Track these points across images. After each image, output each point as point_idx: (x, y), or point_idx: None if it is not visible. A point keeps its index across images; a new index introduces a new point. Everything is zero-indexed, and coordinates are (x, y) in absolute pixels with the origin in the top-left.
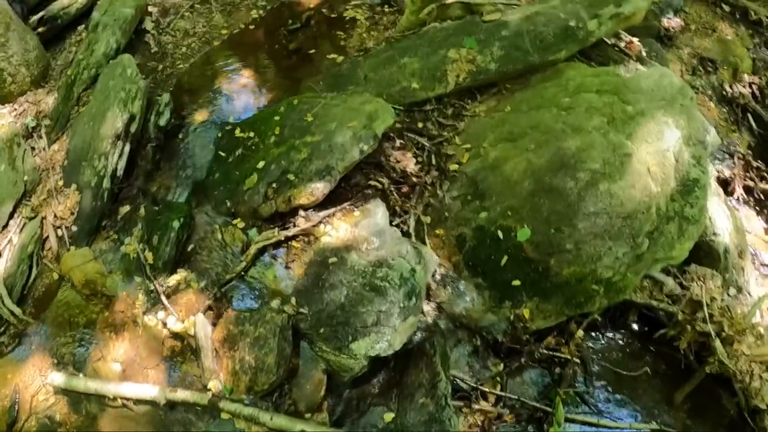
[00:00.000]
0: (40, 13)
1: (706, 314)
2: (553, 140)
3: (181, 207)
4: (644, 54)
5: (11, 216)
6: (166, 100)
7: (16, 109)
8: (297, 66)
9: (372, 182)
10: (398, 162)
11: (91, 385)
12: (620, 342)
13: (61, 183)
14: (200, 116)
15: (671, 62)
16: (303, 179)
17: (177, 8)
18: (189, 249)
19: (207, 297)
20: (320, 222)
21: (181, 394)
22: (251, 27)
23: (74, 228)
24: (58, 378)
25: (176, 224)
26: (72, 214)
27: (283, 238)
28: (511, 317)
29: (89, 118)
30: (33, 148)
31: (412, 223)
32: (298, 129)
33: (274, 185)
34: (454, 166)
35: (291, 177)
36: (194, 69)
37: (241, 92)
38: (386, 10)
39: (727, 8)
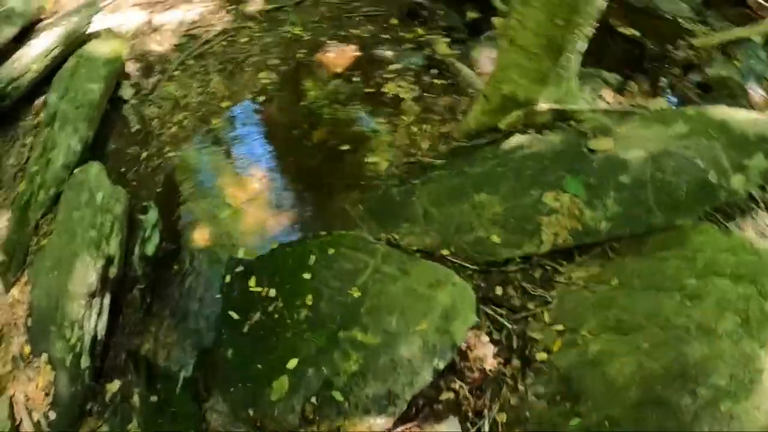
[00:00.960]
0: None
1: None
2: (673, 341)
3: (189, 411)
4: None
5: None
6: (153, 220)
7: None
8: (325, 169)
9: (444, 395)
10: (472, 351)
11: None
12: None
13: (27, 349)
14: (200, 237)
15: None
16: (356, 405)
17: (163, 65)
18: None
19: None
20: None
21: None
22: (260, 99)
23: (52, 414)
24: None
25: None
26: (47, 395)
27: None
28: None
29: (52, 263)
30: None
31: (486, 429)
32: (340, 308)
33: (314, 401)
34: (541, 355)
35: (338, 396)
36: (188, 160)
37: (250, 206)
38: (436, 82)
39: None
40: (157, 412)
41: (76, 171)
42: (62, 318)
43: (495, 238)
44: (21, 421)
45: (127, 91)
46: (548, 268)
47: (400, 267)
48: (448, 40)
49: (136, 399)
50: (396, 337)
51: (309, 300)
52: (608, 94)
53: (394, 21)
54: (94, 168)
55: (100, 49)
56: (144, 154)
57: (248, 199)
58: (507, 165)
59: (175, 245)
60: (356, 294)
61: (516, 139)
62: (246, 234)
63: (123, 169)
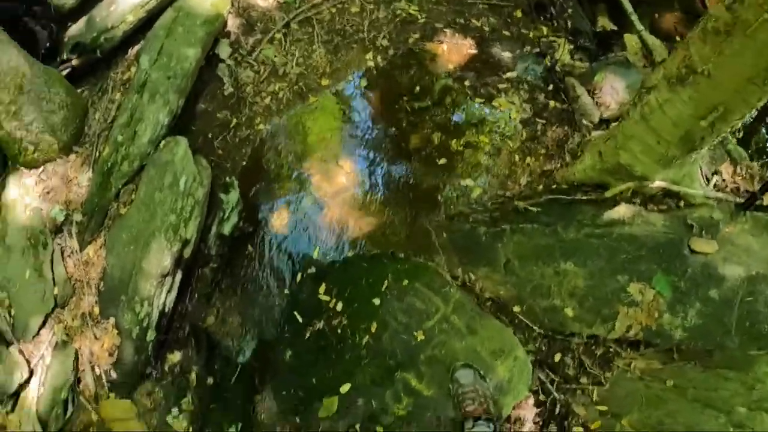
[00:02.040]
0: (74, 40)
1: None
2: None
3: (240, 401)
4: None
5: (43, 326)
6: (233, 201)
7: (42, 180)
8: (416, 180)
9: None
10: (515, 410)
11: None
12: None
13: (97, 310)
14: (279, 223)
15: None
16: None
17: (266, 24)
18: None
19: None
20: None
21: None
22: (363, 84)
23: (114, 374)
24: None
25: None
26: (110, 355)
27: None
28: None
29: (129, 238)
30: (62, 249)
31: None
32: (402, 347)
33: (357, 428)
34: (578, 430)
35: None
36: (278, 137)
37: (334, 201)
38: (551, 104)
39: None
40: (211, 395)
41: (162, 146)
42: (133, 292)
43: (569, 311)
44: (83, 372)
45: (224, 50)
46: (611, 349)
47: (469, 324)
48: (572, 46)
49: (193, 376)
50: (448, 396)
51: (373, 327)
52: (727, 171)
53: (518, 14)
54: (181, 148)
55: (201, 4)
56: (233, 122)
57: (333, 192)
58: (602, 240)
59: (253, 227)
60: (420, 337)
61: (619, 211)
62: (325, 230)
63: (210, 135)
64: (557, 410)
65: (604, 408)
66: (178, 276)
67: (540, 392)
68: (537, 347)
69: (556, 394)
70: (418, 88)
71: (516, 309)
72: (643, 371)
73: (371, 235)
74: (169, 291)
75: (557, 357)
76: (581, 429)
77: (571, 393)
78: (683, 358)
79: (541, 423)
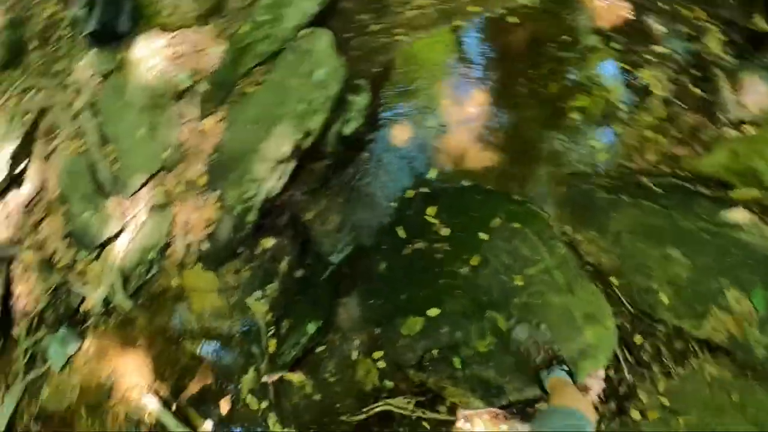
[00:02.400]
0: None
1: None
2: None
3: (326, 300)
4: None
5: (144, 185)
6: (361, 105)
7: (173, 44)
8: (546, 126)
9: (539, 405)
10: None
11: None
12: None
13: (203, 180)
14: (399, 136)
15: None
16: (467, 380)
17: None
18: (317, 351)
19: None
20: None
21: None
22: (511, 20)
23: (205, 246)
24: (152, 403)
25: (311, 328)
26: (206, 227)
27: (413, 416)
28: None
29: (253, 118)
30: (180, 115)
31: None
32: (498, 287)
33: (435, 354)
34: (635, 414)
35: (457, 363)
36: (416, 52)
37: (458, 128)
38: (692, 90)
39: None
40: (298, 287)
41: (304, 33)
42: (245, 171)
43: (663, 298)
44: (175, 238)
45: None
46: (691, 347)
47: (570, 282)
48: (724, 38)
49: (284, 265)
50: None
51: (475, 261)
52: None
53: None
54: (324, 40)
55: None
56: (374, 27)
57: (460, 120)
58: (715, 238)
59: (373, 134)
60: (519, 282)
61: (738, 215)
62: (444, 154)
63: (348, 35)
64: (621, 389)
65: (665, 401)
66: (292, 165)
67: (612, 367)
68: (622, 323)
69: (627, 374)
70: (564, 37)
71: (613, 280)
72: (713, 378)
73: (490, 171)
74: (279, 177)
75: (638, 339)
76: (639, 414)
77: (639, 377)
78: (756, 377)
79: (603, 397)
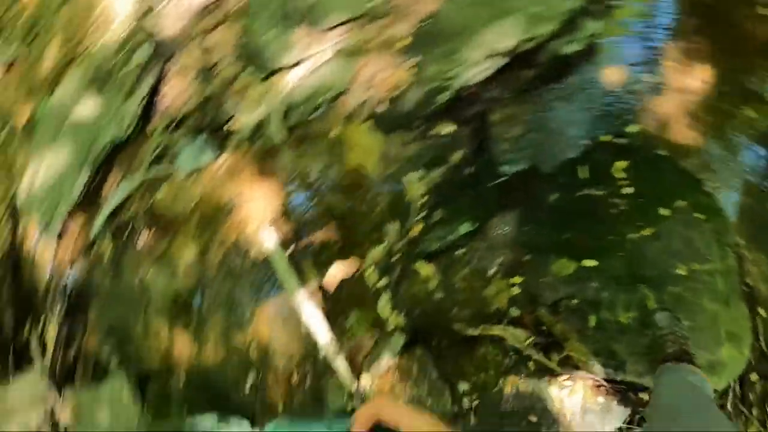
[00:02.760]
0: None
1: None
2: None
3: (478, 213)
4: None
5: (339, 26)
6: (590, 31)
7: None
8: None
9: None
10: None
11: None
12: None
13: (405, 43)
14: (614, 76)
15: None
16: (593, 343)
17: None
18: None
19: None
20: None
21: None
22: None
23: (382, 106)
24: (269, 240)
25: (463, 228)
26: (391, 90)
27: (523, 353)
28: None
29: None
30: None
31: None
32: (661, 267)
33: (573, 302)
34: None
35: (591, 320)
36: None
37: (672, 94)
38: None
39: None
40: (462, 182)
41: None
42: (454, 51)
43: None
44: (353, 87)
45: None
46: None
47: (728, 294)
48: None
49: (456, 156)
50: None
51: (647, 232)
52: None
53: None
54: None
55: None
56: None
57: (679, 87)
58: None
59: (588, 66)
60: (681, 272)
61: None
62: (650, 115)
63: None
64: None
65: None
66: (502, 62)
67: (720, 392)
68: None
69: (728, 405)
70: None
71: (761, 311)
72: None
73: (690, 151)
74: (486, 70)
75: (754, 377)
76: None
77: (737, 411)
78: None
79: None
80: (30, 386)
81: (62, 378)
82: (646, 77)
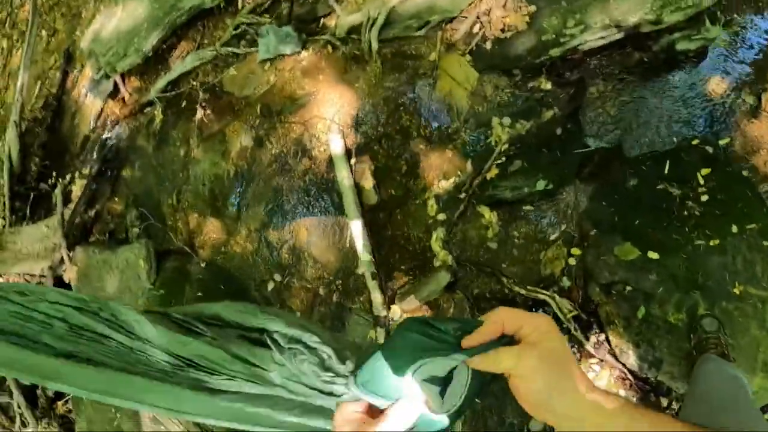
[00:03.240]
0: None
1: None
2: None
3: (558, 174)
4: None
5: None
6: (712, 36)
7: None
8: None
9: None
10: None
11: None
12: None
13: None
14: (716, 85)
15: None
16: (636, 335)
17: None
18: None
19: None
20: None
21: None
22: None
23: (488, 44)
24: (335, 144)
25: (539, 185)
26: (503, 31)
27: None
28: None
29: None
30: None
31: None
32: (718, 280)
33: (627, 289)
34: None
35: (640, 312)
36: None
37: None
38: None
39: None
40: (548, 140)
41: None
42: (578, 11)
43: None
44: (464, 19)
45: None
46: None
47: None
48: None
49: (547, 114)
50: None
51: (713, 242)
52: None
53: None
54: None
55: None
56: None
57: None
58: None
59: (696, 68)
60: (735, 291)
61: None
62: (739, 133)
63: None
64: None
65: None
66: (618, 36)
67: None
68: None
69: None
70: None
71: None
72: None
73: None
74: (602, 38)
75: None
76: None
77: None
78: None
79: None
80: (43, 235)
81: (77, 236)
82: (747, 98)
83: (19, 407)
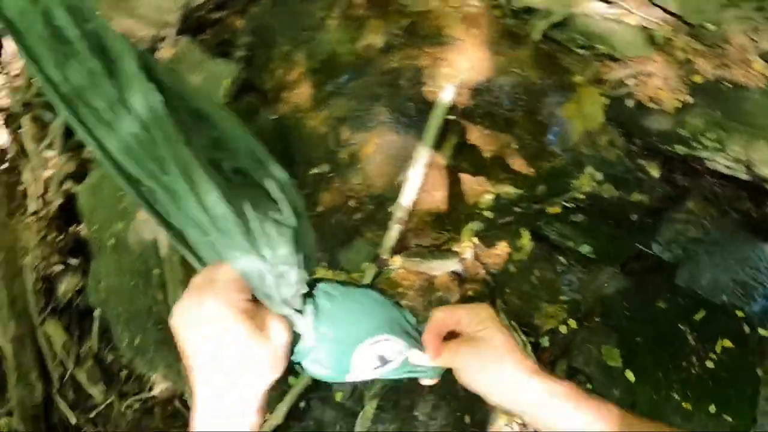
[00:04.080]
0: None
1: None
2: None
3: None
4: None
5: None
6: None
7: None
8: None
9: None
10: None
11: None
12: None
13: None
14: None
15: None
16: None
17: None
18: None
19: None
20: None
21: None
22: None
23: (633, 104)
24: (447, 94)
25: (584, 249)
26: (653, 101)
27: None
28: None
29: None
30: None
31: None
32: None
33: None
34: None
35: None
36: None
37: None
38: None
39: None
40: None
41: None
42: None
43: None
44: None
45: None
46: None
47: None
48: None
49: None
50: None
51: (686, 406)
52: None
53: None
54: None
55: None
56: None
57: None
58: None
59: None
60: None
61: None
62: None
63: None
64: None
65: None
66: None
67: None
68: None
69: None
70: None
71: None
72: None
73: None
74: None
75: None
76: None
77: None
78: None
79: None
80: (162, 5)
81: (191, 28)
82: None
83: None
